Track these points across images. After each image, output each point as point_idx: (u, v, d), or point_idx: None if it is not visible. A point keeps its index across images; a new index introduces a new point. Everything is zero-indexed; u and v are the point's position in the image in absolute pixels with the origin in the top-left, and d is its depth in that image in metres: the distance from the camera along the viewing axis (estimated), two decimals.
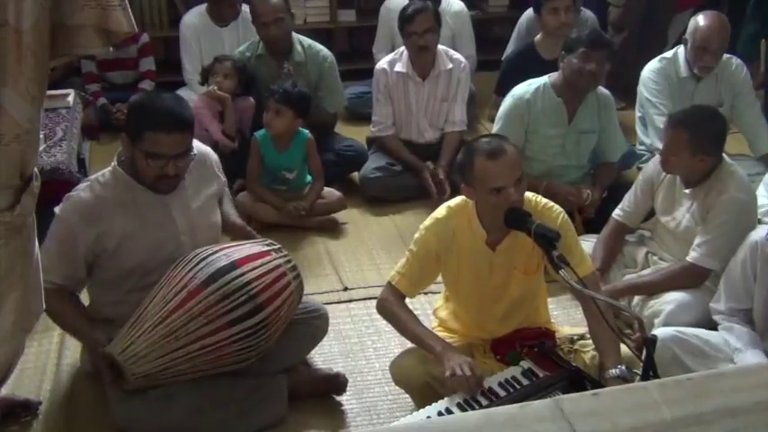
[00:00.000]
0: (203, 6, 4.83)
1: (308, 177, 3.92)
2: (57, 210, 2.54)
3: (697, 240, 2.93)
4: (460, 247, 2.47)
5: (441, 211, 2.52)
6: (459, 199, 2.51)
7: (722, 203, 2.89)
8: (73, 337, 2.76)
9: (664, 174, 3.11)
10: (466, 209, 2.47)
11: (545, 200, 2.50)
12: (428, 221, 2.51)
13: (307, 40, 4.28)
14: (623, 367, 2.30)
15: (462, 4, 5.01)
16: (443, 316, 2.69)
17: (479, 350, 2.56)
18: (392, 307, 2.50)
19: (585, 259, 2.52)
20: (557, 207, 2.49)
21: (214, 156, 2.84)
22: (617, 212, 3.27)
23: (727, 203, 2.88)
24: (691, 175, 2.98)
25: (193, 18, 4.84)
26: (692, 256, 2.92)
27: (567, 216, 2.50)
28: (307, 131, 3.84)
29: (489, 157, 2.33)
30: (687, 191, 3.03)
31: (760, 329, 2.66)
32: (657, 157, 3.13)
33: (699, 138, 2.89)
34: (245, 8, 4.86)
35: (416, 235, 2.52)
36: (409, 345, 2.57)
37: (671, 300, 2.88)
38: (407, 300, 2.56)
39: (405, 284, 2.51)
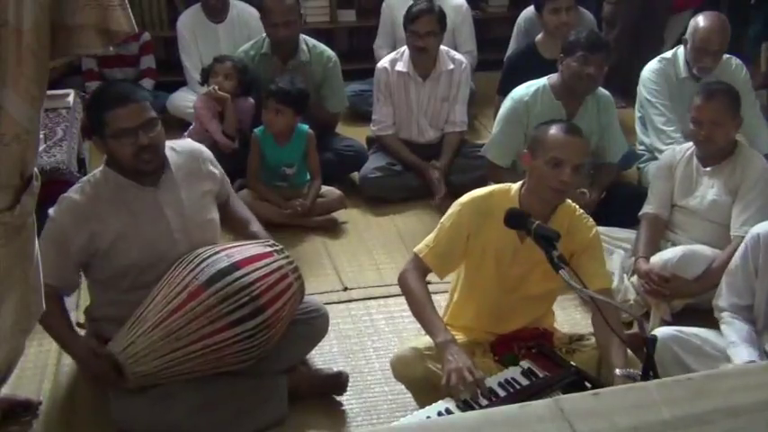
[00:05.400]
0: (198, 5, 4.88)
1: (307, 176, 3.93)
2: (50, 211, 2.54)
3: (740, 217, 3.05)
4: (490, 230, 2.46)
5: (482, 190, 2.55)
6: (503, 185, 2.55)
7: (754, 176, 3.09)
8: (55, 341, 2.70)
9: (680, 156, 3.27)
10: (508, 194, 2.49)
11: (581, 210, 2.53)
12: (465, 197, 2.52)
13: (311, 41, 4.28)
14: (633, 370, 2.29)
15: None
16: (451, 311, 2.68)
17: (480, 349, 2.56)
18: (411, 282, 2.47)
19: (606, 274, 2.54)
20: (590, 220, 2.53)
21: (207, 152, 2.80)
22: (647, 208, 3.29)
23: (762, 173, 3.11)
24: (726, 144, 3.14)
25: (189, 17, 4.90)
26: (743, 230, 2.94)
27: (597, 229, 2.54)
28: (306, 126, 3.86)
29: (566, 132, 2.43)
30: (708, 169, 3.17)
31: (760, 325, 2.65)
32: (675, 147, 3.36)
33: (734, 99, 3.13)
34: (240, 6, 4.89)
35: (450, 210, 2.52)
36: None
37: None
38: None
39: (431, 257, 2.49)
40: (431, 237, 2.53)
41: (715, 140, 3.11)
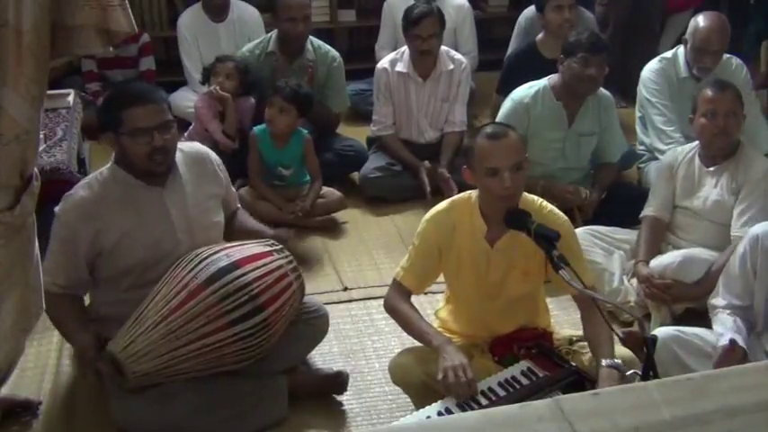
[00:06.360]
0: (198, 4, 4.89)
1: (306, 177, 3.93)
2: (56, 210, 2.54)
3: (741, 217, 3.03)
4: (460, 241, 2.47)
5: (443, 203, 2.54)
6: (463, 193, 2.53)
7: (757, 177, 3.08)
8: (67, 341, 2.76)
9: (681, 157, 3.26)
10: (468, 202, 2.48)
11: (551, 205, 2.50)
12: (429, 214, 2.52)
13: (316, 41, 4.30)
14: (618, 360, 2.30)
15: None
16: (444, 316, 2.69)
17: (478, 350, 2.56)
18: (396, 304, 2.51)
19: (587, 270, 2.51)
20: (563, 215, 2.50)
21: (215, 157, 2.82)
22: (648, 210, 3.28)
23: (765, 174, 3.09)
24: (735, 137, 3.15)
25: (189, 16, 4.91)
26: (743, 231, 2.91)
27: (571, 225, 2.51)
28: (305, 130, 3.85)
29: (489, 138, 2.38)
30: (711, 169, 3.17)
31: (760, 326, 2.65)
32: (677, 148, 3.35)
33: (740, 93, 3.18)
34: (241, 6, 4.90)
35: (418, 228, 2.52)
36: (408, 345, 2.58)
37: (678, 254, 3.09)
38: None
39: (409, 280, 2.51)
40: (405, 258, 2.54)
41: (730, 132, 3.10)
